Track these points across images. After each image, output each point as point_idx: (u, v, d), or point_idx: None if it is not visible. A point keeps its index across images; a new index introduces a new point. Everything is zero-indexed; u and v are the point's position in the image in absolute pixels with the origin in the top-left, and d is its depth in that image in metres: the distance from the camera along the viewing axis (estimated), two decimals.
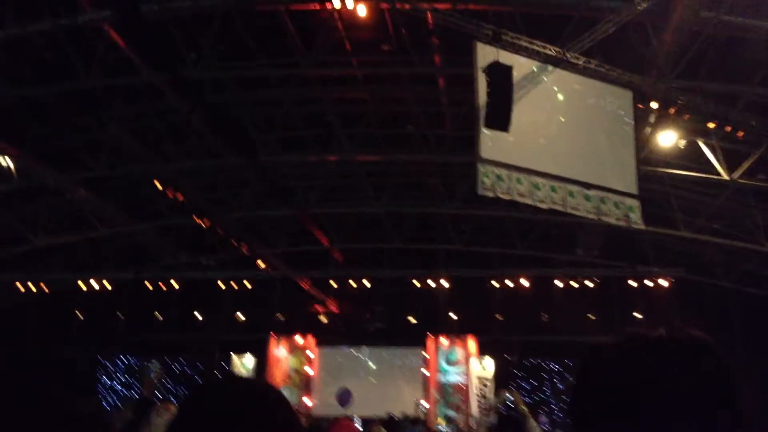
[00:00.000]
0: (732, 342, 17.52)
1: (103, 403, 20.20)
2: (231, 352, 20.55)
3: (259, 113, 14.06)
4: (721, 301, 17.83)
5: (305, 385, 20.15)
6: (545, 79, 9.82)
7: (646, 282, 18.72)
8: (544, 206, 9.53)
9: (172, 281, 20.29)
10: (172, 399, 19.40)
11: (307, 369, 20.49)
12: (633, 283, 18.84)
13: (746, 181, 13.09)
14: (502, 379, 19.47)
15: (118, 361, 22.12)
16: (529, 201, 9.36)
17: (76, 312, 20.73)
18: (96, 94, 12.41)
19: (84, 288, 19.57)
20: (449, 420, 18.95)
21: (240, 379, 1.25)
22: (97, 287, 19.67)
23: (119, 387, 21.88)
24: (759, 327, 17.05)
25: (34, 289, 19.22)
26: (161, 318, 21.25)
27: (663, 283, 18.50)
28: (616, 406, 0.97)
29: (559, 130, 9.92)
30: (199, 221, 14.48)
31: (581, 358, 1.10)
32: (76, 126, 13.41)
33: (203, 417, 1.10)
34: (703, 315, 17.27)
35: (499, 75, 8.78)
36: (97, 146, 13.84)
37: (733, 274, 17.62)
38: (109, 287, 19.83)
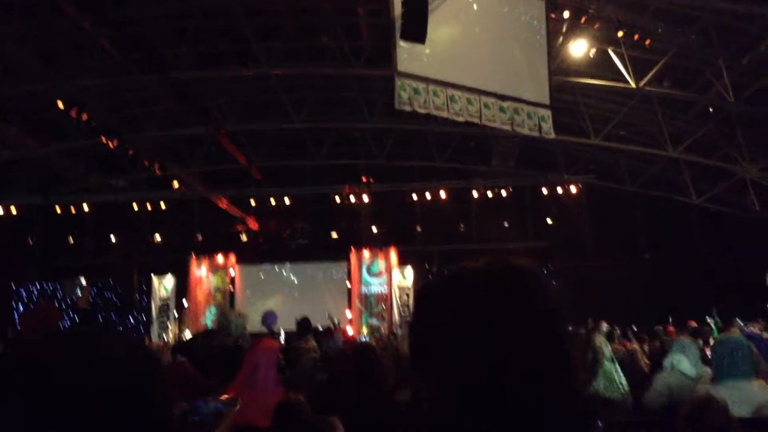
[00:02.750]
0: (637, 241, 18.71)
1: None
2: (151, 274, 20.29)
3: (169, 27, 13.42)
4: (627, 204, 18.82)
5: (228, 303, 20.20)
6: None
7: (558, 189, 19.44)
8: (460, 119, 9.61)
9: (84, 204, 19.68)
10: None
11: (230, 287, 20.52)
12: (545, 191, 19.54)
13: (652, 89, 13.58)
14: None
15: (33, 288, 21.47)
16: (445, 114, 9.40)
17: None
18: None
19: None
20: (373, 329, 19.50)
21: (81, 335, 1.00)
22: (2, 213, 18.92)
23: None
24: (661, 227, 18.25)
25: None
26: (75, 243, 20.68)
27: (573, 189, 19.26)
28: (442, 338, 0.99)
29: (474, 42, 9.92)
30: (107, 141, 13.87)
31: (414, 297, 1.12)
32: None
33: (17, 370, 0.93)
34: (611, 218, 18.28)
35: None
36: None
37: (639, 178, 18.51)
38: (15, 213, 19.11)
